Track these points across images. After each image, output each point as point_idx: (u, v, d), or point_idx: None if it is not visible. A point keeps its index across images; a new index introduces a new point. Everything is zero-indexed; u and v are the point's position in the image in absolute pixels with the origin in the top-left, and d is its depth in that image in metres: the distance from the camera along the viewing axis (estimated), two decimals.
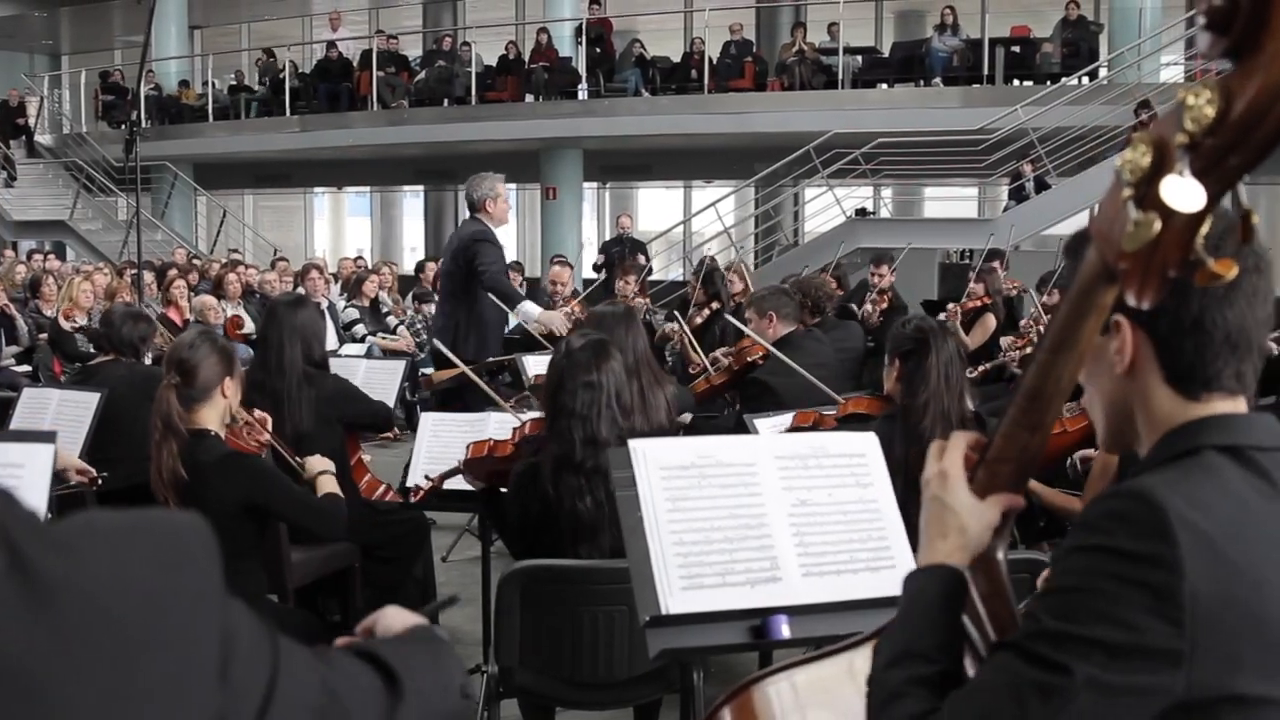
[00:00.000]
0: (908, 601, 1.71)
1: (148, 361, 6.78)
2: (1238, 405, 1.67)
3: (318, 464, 4.74)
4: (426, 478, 5.03)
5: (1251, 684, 1.49)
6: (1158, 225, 1.25)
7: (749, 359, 6.82)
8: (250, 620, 1.12)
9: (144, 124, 20.40)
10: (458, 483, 4.89)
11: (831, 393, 5.88)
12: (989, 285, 10.70)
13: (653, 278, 17.39)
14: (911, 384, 4.42)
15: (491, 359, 7.79)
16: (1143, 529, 1.49)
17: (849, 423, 5.00)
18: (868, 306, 11.12)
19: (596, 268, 17.73)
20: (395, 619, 1.65)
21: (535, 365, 7.51)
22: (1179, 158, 1.24)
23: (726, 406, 7.32)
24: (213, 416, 4.38)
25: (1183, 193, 1.23)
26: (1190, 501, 1.51)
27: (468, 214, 8.40)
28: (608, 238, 19.39)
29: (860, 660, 1.82)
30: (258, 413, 5.08)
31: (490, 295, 8.03)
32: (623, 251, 16.84)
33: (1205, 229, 1.25)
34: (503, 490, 4.45)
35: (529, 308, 8.30)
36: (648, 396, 4.47)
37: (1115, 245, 1.31)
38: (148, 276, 12.85)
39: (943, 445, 1.78)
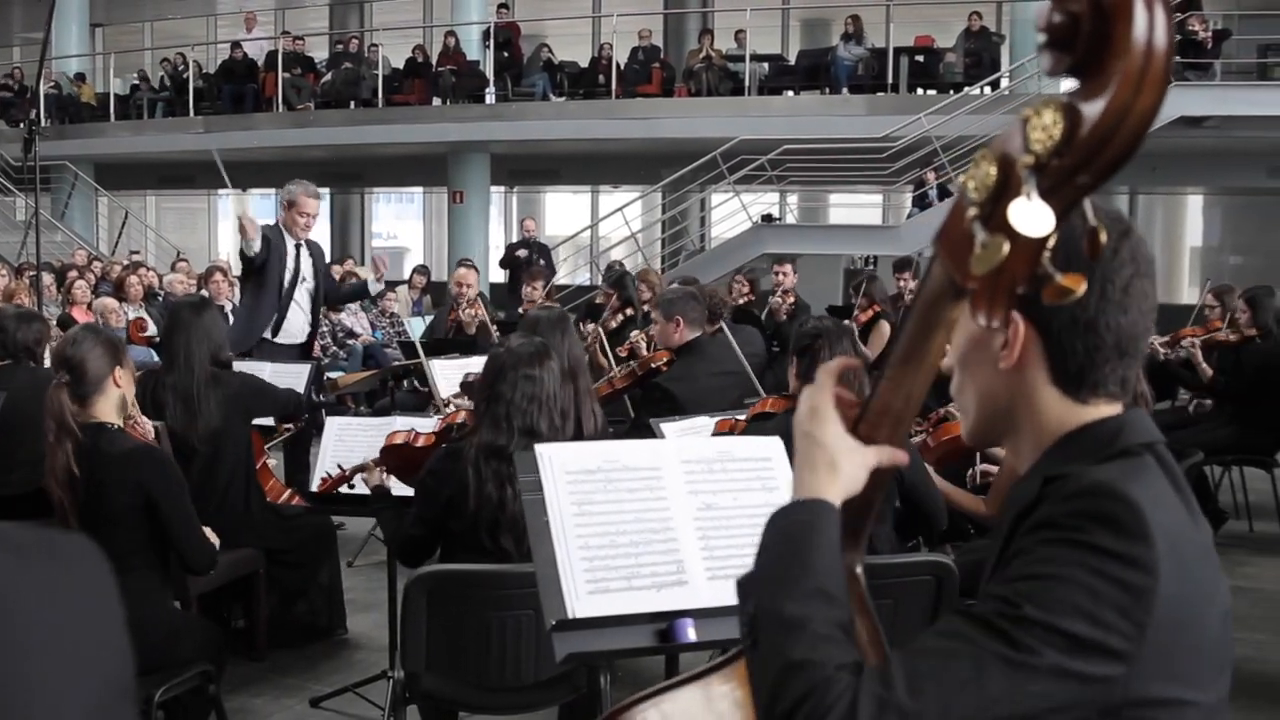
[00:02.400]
0: (793, 531, 1.60)
1: (46, 363, 6.67)
2: (1117, 409, 1.65)
3: None
4: (340, 466, 5.01)
5: (1176, 689, 1.50)
6: (1006, 247, 1.24)
7: (653, 364, 6.84)
8: None
9: (43, 123, 20.05)
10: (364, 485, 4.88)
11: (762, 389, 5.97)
12: (875, 294, 10.84)
13: (559, 282, 17.39)
14: (809, 377, 4.55)
15: (398, 363, 7.77)
16: (1124, 529, 1.47)
17: (757, 423, 5.08)
18: (775, 299, 11.25)
19: (502, 265, 17.72)
20: None
21: (441, 369, 7.49)
22: (1025, 179, 1.24)
23: (625, 418, 7.32)
24: (109, 408, 4.33)
25: (1032, 217, 1.23)
26: (1154, 502, 1.50)
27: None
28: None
29: (717, 683, 1.77)
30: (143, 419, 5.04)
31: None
32: (530, 256, 16.83)
33: (1052, 243, 1.25)
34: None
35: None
36: (580, 404, 4.50)
37: (963, 266, 1.31)
38: (47, 278, 12.64)
39: (811, 386, 1.69)
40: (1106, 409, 1.64)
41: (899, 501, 4.69)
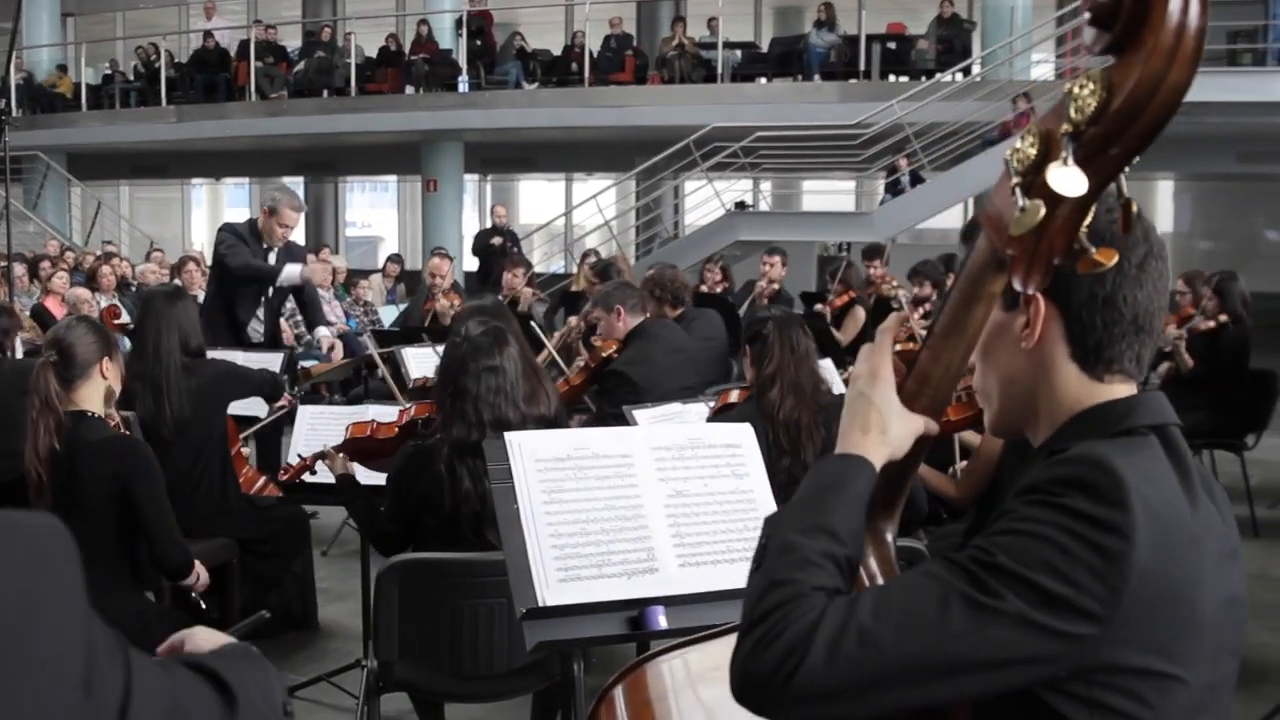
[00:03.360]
0: (823, 481, 1.67)
1: (19, 355, 6.64)
2: (1132, 389, 1.68)
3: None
4: (299, 456, 5.02)
5: (1156, 661, 1.52)
6: (1043, 211, 1.31)
7: (604, 354, 6.85)
8: (104, 629, 1.10)
9: (14, 113, 19.92)
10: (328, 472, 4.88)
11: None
12: (850, 280, 10.89)
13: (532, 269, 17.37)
14: (761, 362, 4.71)
15: (370, 351, 7.72)
16: (1101, 495, 1.50)
17: (721, 415, 5.10)
18: (761, 283, 11.11)
19: (475, 253, 17.70)
20: (205, 639, 1.64)
21: (413, 357, 7.49)
22: (1064, 146, 1.31)
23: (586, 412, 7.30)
24: (93, 397, 4.36)
25: (1066, 179, 1.30)
26: (1142, 476, 1.53)
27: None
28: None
29: None
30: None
31: (249, 281, 7.88)
32: (505, 244, 16.79)
33: (1089, 220, 1.32)
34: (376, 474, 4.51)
35: (289, 270, 7.91)
36: (537, 386, 4.51)
37: (1004, 232, 1.37)
38: (19, 269, 12.57)
39: (871, 346, 1.75)
40: (1122, 388, 1.68)
41: None
